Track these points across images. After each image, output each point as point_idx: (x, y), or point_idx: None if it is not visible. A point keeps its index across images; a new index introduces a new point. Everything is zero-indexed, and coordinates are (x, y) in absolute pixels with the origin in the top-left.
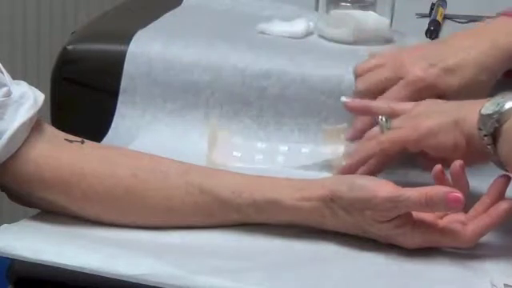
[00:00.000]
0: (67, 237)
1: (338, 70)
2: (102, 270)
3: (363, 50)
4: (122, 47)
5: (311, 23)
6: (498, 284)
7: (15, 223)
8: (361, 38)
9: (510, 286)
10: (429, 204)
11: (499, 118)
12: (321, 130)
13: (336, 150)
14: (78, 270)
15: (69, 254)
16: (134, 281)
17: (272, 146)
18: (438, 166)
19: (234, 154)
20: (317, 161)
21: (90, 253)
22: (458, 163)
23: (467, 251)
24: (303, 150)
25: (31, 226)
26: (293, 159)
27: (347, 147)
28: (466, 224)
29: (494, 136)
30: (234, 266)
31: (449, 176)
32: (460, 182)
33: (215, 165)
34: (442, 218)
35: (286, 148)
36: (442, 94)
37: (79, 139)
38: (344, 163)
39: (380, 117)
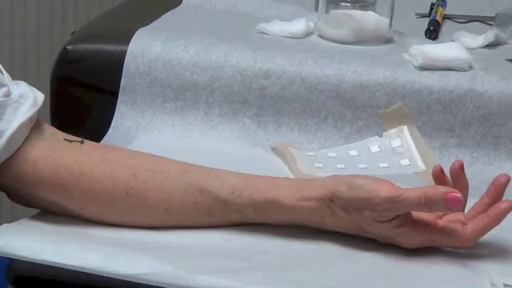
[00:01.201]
0: (67, 236)
1: (337, 69)
2: (102, 269)
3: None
4: (122, 47)
5: (311, 23)
6: (498, 284)
7: (15, 222)
8: (361, 38)
9: (509, 286)
10: (428, 204)
11: None
12: (378, 115)
13: (401, 132)
14: (78, 269)
15: (68, 254)
16: (134, 280)
17: (341, 153)
18: (438, 166)
19: (316, 165)
20: (395, 162)
21: (89, 252)
22: (457, 163)
23: (467, 251)
24: (372, 149)
25: (31, 226)
26: (372, 164)
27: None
28: (466, 224)
29: None
30: (233, 266)
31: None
32: (460, 182)
33: (304, 175)
34: (441, 217)
35: (356, 152)
36: None
37: (79, 139)
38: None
39: None
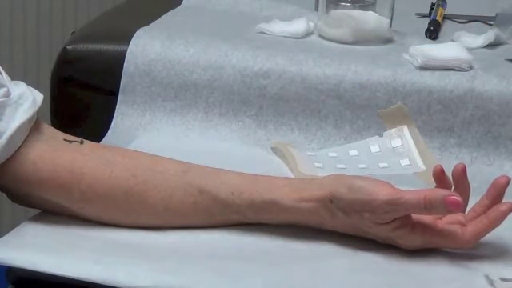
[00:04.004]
0: (67, 243)
1: (337, 69)
2: (102, 281)
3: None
4: (122, 47)
5: (311, 23)
6: (495, 277)
7: (15, 230)
8: (361, 38)
9: (506, 279)
10: (428, 207)
11: None
12: (378, 115)
13: (401, 132)
14: (77, 279)
15: (68, 266)
16: None
17: (341, 153)
18: (439, 166)
19: (316, 165)
20: (395, 162)
21: (89, 263)
22: (460, 166)
23: (466, 251)
24: (372, 148)
25: (31, 232)
26: (372, 164)
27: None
28: (465, 225)
29: None
30: (234, 267)
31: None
32: (461, 185)
33: (304, 175)
34: (441, 218)
35: (356, 152)
36: None
37: (78, 139)
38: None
39: None
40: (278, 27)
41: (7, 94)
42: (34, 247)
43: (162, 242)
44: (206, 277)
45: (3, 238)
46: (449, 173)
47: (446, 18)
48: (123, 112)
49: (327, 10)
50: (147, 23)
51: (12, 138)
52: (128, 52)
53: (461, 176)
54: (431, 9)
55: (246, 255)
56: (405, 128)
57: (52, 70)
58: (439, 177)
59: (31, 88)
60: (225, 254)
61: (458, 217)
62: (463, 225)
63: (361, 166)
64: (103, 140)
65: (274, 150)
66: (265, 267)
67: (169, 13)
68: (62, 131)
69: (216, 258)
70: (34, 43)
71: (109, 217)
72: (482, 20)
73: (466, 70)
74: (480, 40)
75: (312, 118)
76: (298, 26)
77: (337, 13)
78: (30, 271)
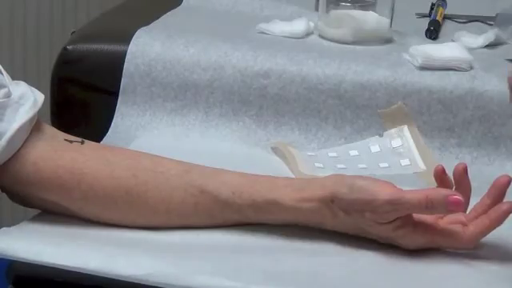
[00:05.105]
0: (67, 238)
1: (337, 69)
2: (101, 270)
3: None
4: (122, 47)
5: (311, 23)
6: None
7: (15, 226)
8: (361, 38)
9: None
10: (429, 207)
11: None
12: (378, 115)
13: (401, 132)
14: (77, 270)
15: (68, 255)
16: (134, 281)
17: (341, 153)
18: (440, 166)
19: (317, 165)
20: (395, 162)
21: (89, 253)
22: (461, 165)
23: (467, 251)
24: (372, 148)
25: (31, 228)
26: (372, 164)
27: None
28: (467, 225)
29: None
30: (234, 265)
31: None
32: (463, 185)
33: (304, 175)
34: (442, 217)
35: (356, 152)
36: None
37: (79, 139)
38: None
39: None
40: (278, 27)
41: (8, 95)
42: (33, 239)
43: (163, 240)
44: (206, 266)
45: (3, 229)
46: (449, 173)
47: (446, 18)
48: (123, 112)
49: (327, 9)
50: (147, 23)
51: (12, 138)
52: (128, 52)
53: (462, 176)
54: (431, 9)
55: (247, 254)
56: (405, 128)
57: (52, 70)
58: (440, 177)
59: (32, 88)
60: (225, 252)
61: (460, 217)
62: (464, 225)
63: (361, 166)
64: (103, 140)
65: (274, 149)
66: (265, 261)
67: (169, 13)
68: (62, 131)
69: (216, 256)
70: (33, 43)
71: (109, 217)
72: (482, 20)
73: (466, 70)
74: (480, 40)
75: (312, 118)
76: (298, 26)
77: (337, 13)
78: (29, 271)
